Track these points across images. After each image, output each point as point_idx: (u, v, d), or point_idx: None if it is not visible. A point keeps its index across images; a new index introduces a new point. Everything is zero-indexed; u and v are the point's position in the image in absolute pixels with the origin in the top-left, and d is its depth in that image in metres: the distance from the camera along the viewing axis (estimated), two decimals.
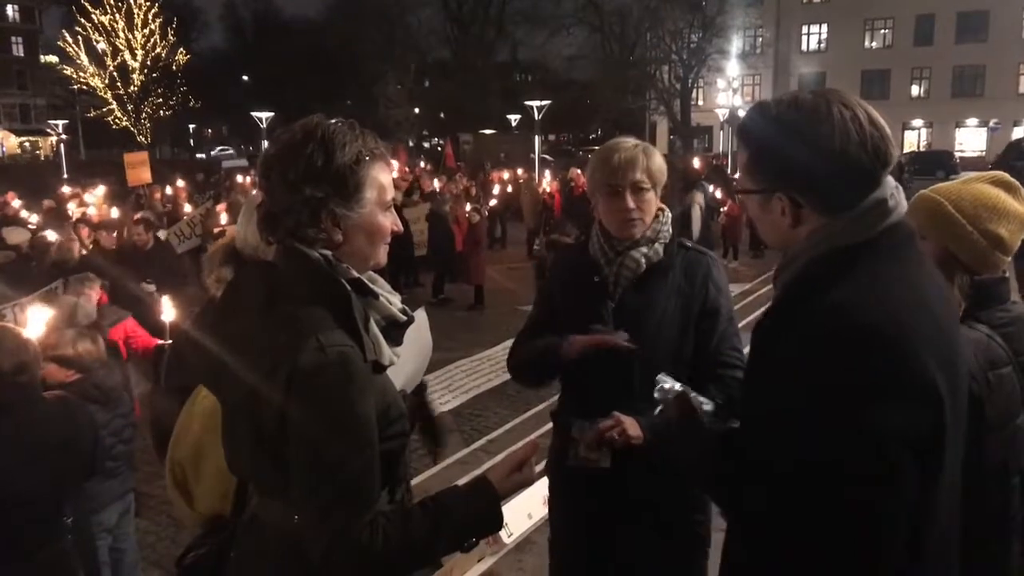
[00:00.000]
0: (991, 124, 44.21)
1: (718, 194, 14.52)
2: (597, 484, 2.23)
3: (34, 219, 12.06)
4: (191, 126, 60.90)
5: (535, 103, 26.90)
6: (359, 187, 1.53)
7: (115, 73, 47.83)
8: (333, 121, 1.54)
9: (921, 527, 1.35)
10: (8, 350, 2.60)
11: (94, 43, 46.81)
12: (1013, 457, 1.85)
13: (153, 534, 4.67)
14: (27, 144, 58.12)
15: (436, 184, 16.62)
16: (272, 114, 32.17)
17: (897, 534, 1.32)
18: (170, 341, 4.32)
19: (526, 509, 4.32)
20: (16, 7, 61.71)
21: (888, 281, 1.34)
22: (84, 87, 48.33)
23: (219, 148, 44.29)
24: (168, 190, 17.41)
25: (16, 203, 14.08)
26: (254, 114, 32.46)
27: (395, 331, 1.62)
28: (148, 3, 47.84)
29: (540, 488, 4.03)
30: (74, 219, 11.46)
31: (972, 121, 45.58)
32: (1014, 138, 41.06)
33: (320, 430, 1.43)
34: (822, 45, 48.81)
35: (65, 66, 48.76)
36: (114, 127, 49.01)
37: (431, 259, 12.33)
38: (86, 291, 4.87)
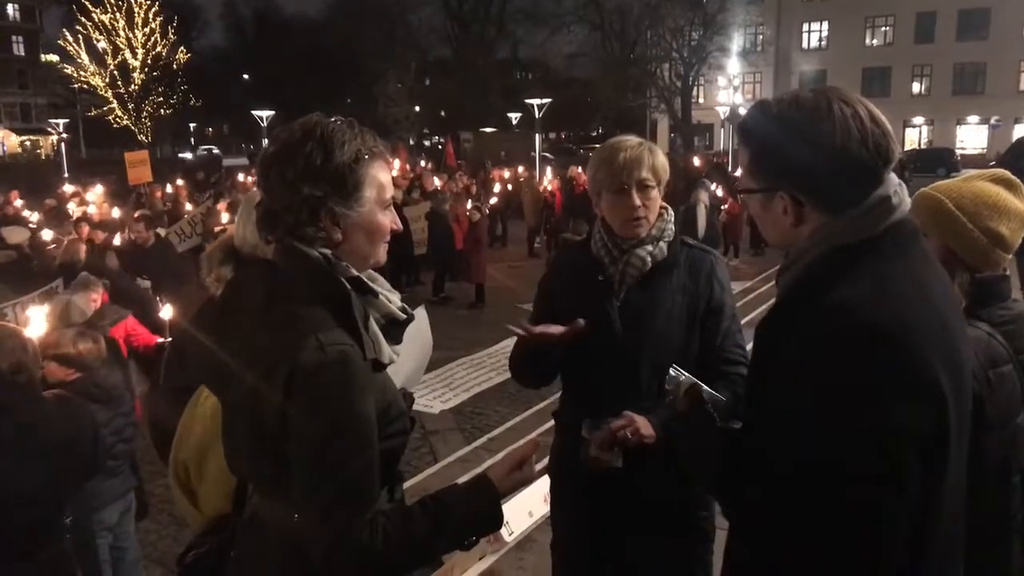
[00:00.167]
0: (992, 121, 44.19)
1: (719, 192, 14.51)
2: (601, 484, 2.22)
3: (35, 218, 12.07)
4: (192, 125, 60.89)
5: (536, 101, 26.90)
6: (358, 186, 1.53)
7: (115, 72, 47.85)
8: (332, 120, 1.54)
9: (925, 527, 1.35)
10: (6, 350, 2.60)
11: (95, 42, 46.84)
12: (1014, 456, 1.85)
13: (154, 532, 4.67)
14: (28, 143, 58.13)
15: (437, 182, 16.62)
16: (273, 113, 32.18)
17: (899, 534, 1.31)
18: (169, 339, 4.32)
19: (527, 507, 4.33)
20: (17, 6, 61.72)
21: (892, 279, 1.33)
22: (85, 86, 48.37)
23: (202, 148, 43.94)
24: (169, 189, 17.42)
25: (18, 203, 14.09)
26: (255, 113, 32.48)
27: (395, 329, 1.62)
28: (148, 2, 47.85)
29: (541, 486, 4.04)
30: (75, 218, 11.47)
31: (973, 118, 45.55)
32: (1016, 137, 41.12)
33: (320, 429, 1.43)
34: (823, 43, 48.77)
35: (66, 65, 48.81)
36: (115, 126, 49.02)
37: (431, 258, 12.33)
38: (87, 292, 4.86)
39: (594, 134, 57.48)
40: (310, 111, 1.59)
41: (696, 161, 23.18)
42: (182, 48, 50.71)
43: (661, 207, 2.37)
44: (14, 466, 2.51)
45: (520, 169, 23.82)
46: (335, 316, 1.49)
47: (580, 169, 19.02)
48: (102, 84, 47.72)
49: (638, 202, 2.27)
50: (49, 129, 46.19)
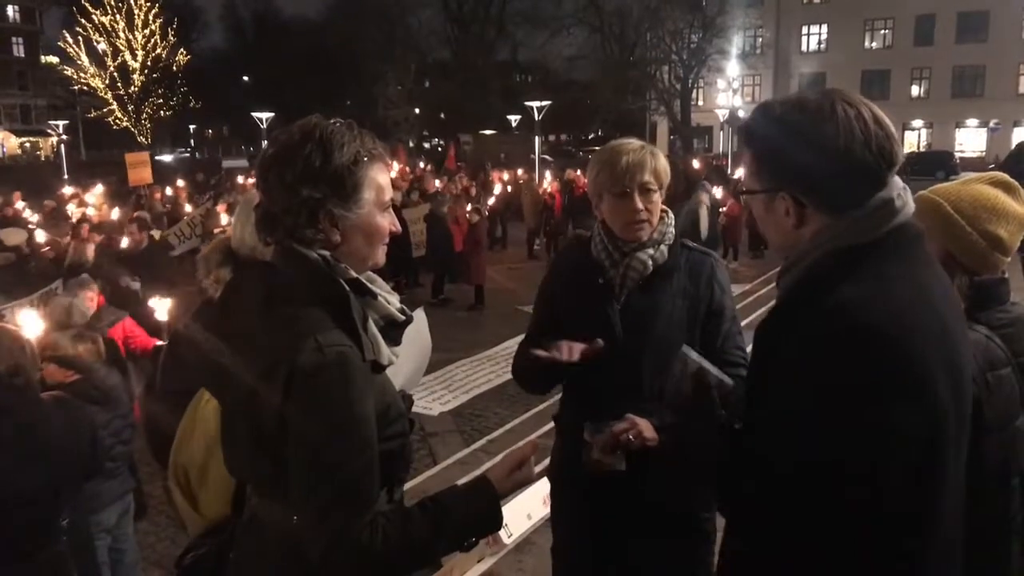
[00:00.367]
0: (991, 124, 44.21)
1: (718, 194, 14.54)
2: (602, 487, 2.21)
3: (35, 219, 12.07)
4: (192, 127, 60.92)
5: (535, 103, 26.90)
6: (357, 188, 1.53)
7: (115, 73, 47.90)
8: (331, 122, 1.54)
9: (924, 529, 1.35)
10: (4, 351, 2.59)
11: (94, 43, 46.89)
12: (1013, 458, 1.85)
13: (153, 534, 4.67)
14: (27, 145, 58.12)
15: (438, 185, 16.63)
16: (272, 114, 32.18)
17: (897, 535, 1.31)
18: (165, 343, 4.32)
19: (526, 509, 4.33)
20: (17, 8, 61.70)
21: (893, 281, 1.33)
22: (84, 87, 48.40)
23: (179, 150, 43.73)
24: (168, 190, 17.43)
25: (20, 204, 14.11)
26: (254, 114, 32.48)
27: (394, 331, 1.62)
28: (148, 3, 47.89)
29: (540, 488, 4.04)
30: (75, 220, 11.48)
31: (972, 121, 45.58)
32: (1016, 140, 41.15)
33: (319, 430, 1.43)
34: (822, 45, 48.81)
35: (66, 67, 48.84)
36: (114, 127, 49.05)
37: (429, 260, 12.34)
38: (84, 292, 4.87)
39: (593, 136, 57.48)
40: (310, 113, 1.59)
41: (696, 163, 23.19)
42: (182, 50, 50.77)
43: (662, 210, 2.37)
44: (12, 467, 2.50)
45: (520, 171, 23.83)
46: (334, 317, 1.49)
47: (579, 172, 19.07)
48: (102, 86, 47.77)
49: (640, 205, 2.27)
50: (49, 131, 46.19)
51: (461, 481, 1.74)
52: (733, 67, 40.63)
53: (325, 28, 55.04)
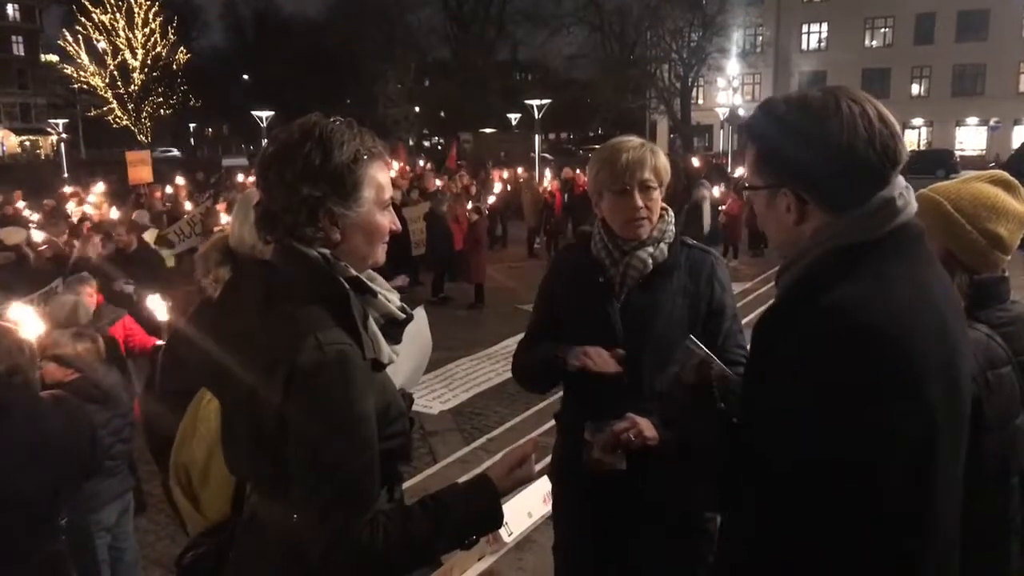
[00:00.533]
0: (991, 123, 44.21)
1: (716, 192, 14.56)
2: (603, 485, 2.21)
3: (36, 218, 12.07)
4: (191, 125, 60.90)
5: (535, 102, 26.90)
6: (357, 186, 1.52)
7: (115, 72, 47.91)
8: (331, 120, 1.54)
9: (921, 529, 1.35)
10: (3, 351, 2.59)
11: (94, 42, 46.88)
12: (1013, 457, 1.85)
13: (153, 533, 4.66)
14: (27, 143, 58.10)
15: (438, 183, 16.62)
16: (272, 113, 32.18)
17: (894, 535, 1.31)
18: (163, 342, 4.31)
19: (526, 508, 4.32)
20: (16, 6, 61.69)
21: (893, 281, 1.33)
22: (84, 86, 48.41)
23: (160, 150, 43.49)
24: (168, 189, 17.42)
25: (20, 203, 14.11)
26: (254, 113, 32.48)
27: (394, 329, 1.62)
28: (148, 2, 47.90)
29: (540, 487, 4.04)
30: (76, 219, 11.48)
31: (972, 120, 45.57)
32: (1016, 138, 41.16)
33: (319, 429, 1.43)
34: (822, 44, 48.78)
35: (65, 65, 48.86)
36: (114, 126, 49.03)
37: (429, 258, 12.33)
38: (83, 290, 4.86)
39: (593, 135, 57.45)
40: (309, 111, 1.58)
41: (696, 162, 23.19)
42: (182, 48, 50.79)
43: (662, 208, 2.36)
44: (10, 467, 2.49)
45: (520, 170, 23.82)
46: (334, 316, 1.49)
47: (575, 171, 19.07)
48: (102, 84, 47.78)
49: (640, 203, 2.27)
50: (49, 129, 46.18)
51: (461, 479, 1.74)
52: (733, 65, 40.61)
53: (325, 27, 55.06)
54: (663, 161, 2.32)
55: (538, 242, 16.73)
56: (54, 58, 55.96)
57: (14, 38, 61.38)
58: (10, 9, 61.39)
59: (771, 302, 1.48)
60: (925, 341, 1.30)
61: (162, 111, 51.23)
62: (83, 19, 46.37)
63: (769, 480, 1.35)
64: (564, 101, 42.79)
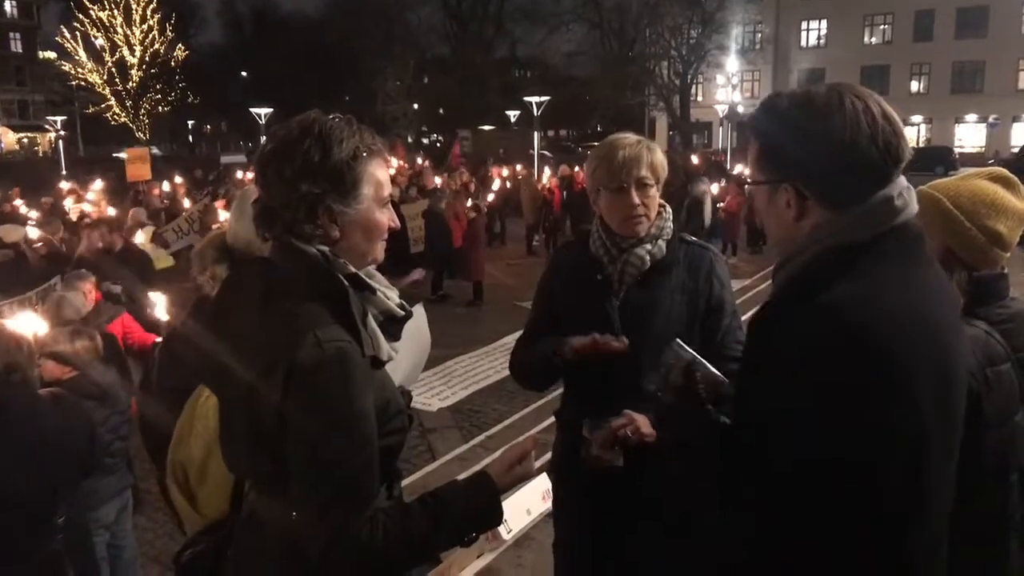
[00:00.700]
0: (990, 120, 44.24)
1: (715, 189, 14.58)
2: (603, 483, 2.21)
3: (35, 215, 12.05)
4: (190, 122, 60.82)
5: (534, 99, 26.90)
6: (356, 183, 1.52)
7: (113, 69, 47.80)
8: (330, 117, 1.54)
9: (911, 527, 1.35)
10: (0, 349, 2.58)
11: (92, 39, 46.75)
12: (1012, 454, 1.85)
13: (151, 531, 4.66)
14: (25, 140, 58.01)
15: (437, 181, 16.59)
16: (271, 110, 32.14)
17: (886, 533, 1.32)
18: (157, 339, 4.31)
19: (525, 505, 4.33)
20: (14, 3, 61.58)
21: (887, 282, 1.33)
22: (82, 83, 48.29)
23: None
24: (166, 186, 17.39)
25: (17, 201, 14.09)
26: (253, 110, 32.45)
27: (393, 326, 1.62)
28: None
29: (539, 484, 4.05)
30: (78, 216, 11.46)
31: (971, 117, 45.58)
32: (1014, 135, 41.18)
33: (319, 426, 1.42)
34: (821, 41, 48.77)
35: (63, 62, 48.76)
36: (112, 123, 48.96)
37: (428, 256, 12.32)
38: (81, 286, 4.86)
39: (592, 132, 57.43)
40: (308, 108, 1.58)
41: (695, 159, 23.19)
42: (180, 45, 50.63)
43: (660, 205, 2.36)
44: (8, 466, 2.49)
45: (519, 167, 23.80)
46: (333, 313, 1.48)
47: (571, 168, 19.08)
48: (100, 81, 47.68)
49: (637, 200, 2.26)
50: (47, 126, 46.10)
51: (461, 477, 1.74)
52: (732, 63, 40.56)
53: (324, 24, 55.01)
54: (660, 158, 2.31)
55: (537, 239, 16.72)
56: (52, 55, 55.87)
57: (12, 35, 61.29)
58: (8, 6, 61.28)
59: (767, 299, 1.48)
60: (918, 342, 1.30)
61: (160, 108, 51.12)
62: (81, 16, 46.25)
63: (766, 479, 1.35)
64: (563, 98, 42.75)
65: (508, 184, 20.02)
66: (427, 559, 1.62)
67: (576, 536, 2.48)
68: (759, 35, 46.99)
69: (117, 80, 48.15)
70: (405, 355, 1.85)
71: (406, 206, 12.36)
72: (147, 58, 48.71)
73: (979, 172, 2.01)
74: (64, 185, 18.36)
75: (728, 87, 36.95)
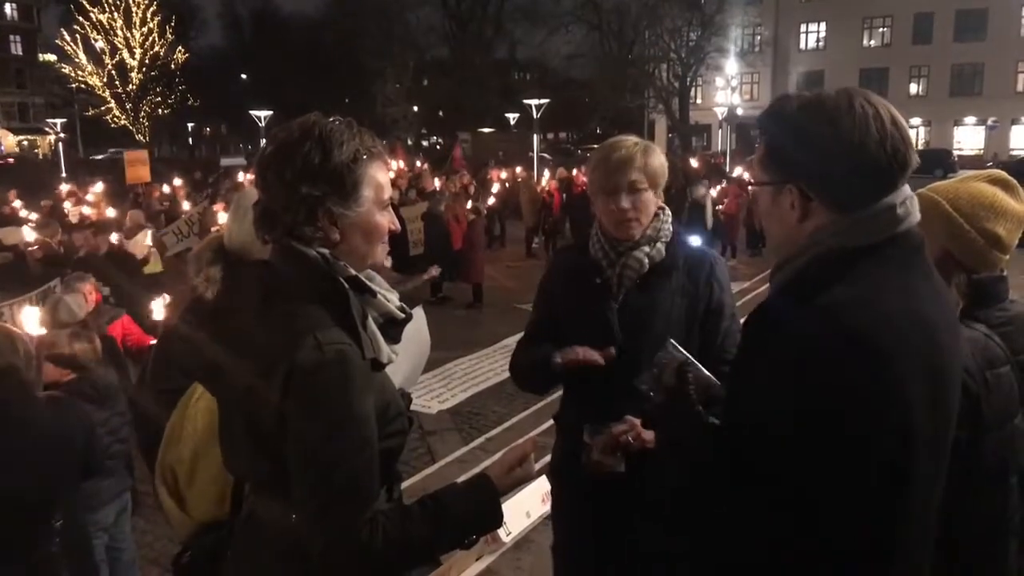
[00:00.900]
0: (989, 122, 44.27)
1: (714, 192, 14.62)
2: (603, 487, 2.21)
3: (34, 217, 12.06)
4: (190, 125, 60.83)
5: (534, 101, 26.90)
6: (356, 186, 1.52)
7: (113, 72, 47.77)
8: (330, 119, 1.54)
9: (895, 528, 1.36)
10: None
11: (92, 41, 46.73)
12: (1011, 457, 1.85)
13: (150, 533, 4.65)
14: (25, 143, 58.00)
15: (437, 183, 16.58)
16: (271, 112, 32.12)
17: (870, 533, 1.33)
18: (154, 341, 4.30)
19: (525, 507, 4.33)
20: (14, 6, 61.60)
21: (886, 286, 1.33)
22: (82, 86, 48.27)
23: (111, 150, 43.01)
24: (166, 188, 17.40)
25: (17, 203, 14.09)
26: (252, 112, 32.43)
27: (393, 329, 1.62)
28: (146, 1, 47.76)
29: (539, 486, 4.05)
30: (76, 218, 11.47)
31: (970, 119, 45.62)
32: (1013, 138, 41.23)
33: (319, 428, 1.42)
34: (821, 43, 48.81)
35: (63, 65, 48.72)
36: (112, 126, 48.95)
37: (427, 258, 12.31)
38: (81, 287, 4.85)
39: (591, 134, 57.46)
40: (308, 111, 1.58)
41: (694, 162, 23.19)
42: (180, 48, 50.62)
43: (659, 208, 2.36)
44: (4, 469, 2.48)
45: (518, 169, 23.80)
46: (333, 315, 1.48)
47: (569, 171, 19.09)
48: (100, 84, 47.65)
49: (625, 204, 2.26)
50: (47, 129, 46.08)
51: (460, 479, 1.74)
52: (732, 65, 40.59)
53: (323, 26, 55.04)
54: (656, 161, 2.30)
55: (536, 242, 16.72)
56: (52, 57, 55.83)
57: (12, 37, 61.30)
58: (8, 8, 61.30)
59: (764, 300, 1.48)
60: (913, 345, 1.30)
61: (160, 111, 51.11)
62: (81, 18, 46.21)
63: (757, 479, 1.35)
64: (562, 100, 42.84)
65: (507, 186, 20.02)
66: (427, 561, 1.62)
67: (576, 539, 2.47)
68: (758, 37, 47.02)
69: (117, 83, 48.10)
70: (405, 357, 1.84)
71: (405, 208, 12.34)
72: (147, 61, 48.67)
73: (978, 175, 2.01)
74: (63, 187, 18.36)
75: (727, 89, 36.95)
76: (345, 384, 1.43)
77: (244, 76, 60.94)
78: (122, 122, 48.87)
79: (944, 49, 44.79)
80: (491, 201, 16.42)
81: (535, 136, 27.48)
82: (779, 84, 46.25)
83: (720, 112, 35.24)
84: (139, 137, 47.99)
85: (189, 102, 51.99)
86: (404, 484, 1.72)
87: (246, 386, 1.49)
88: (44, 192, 17.11)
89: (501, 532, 4.11)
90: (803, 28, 48.91)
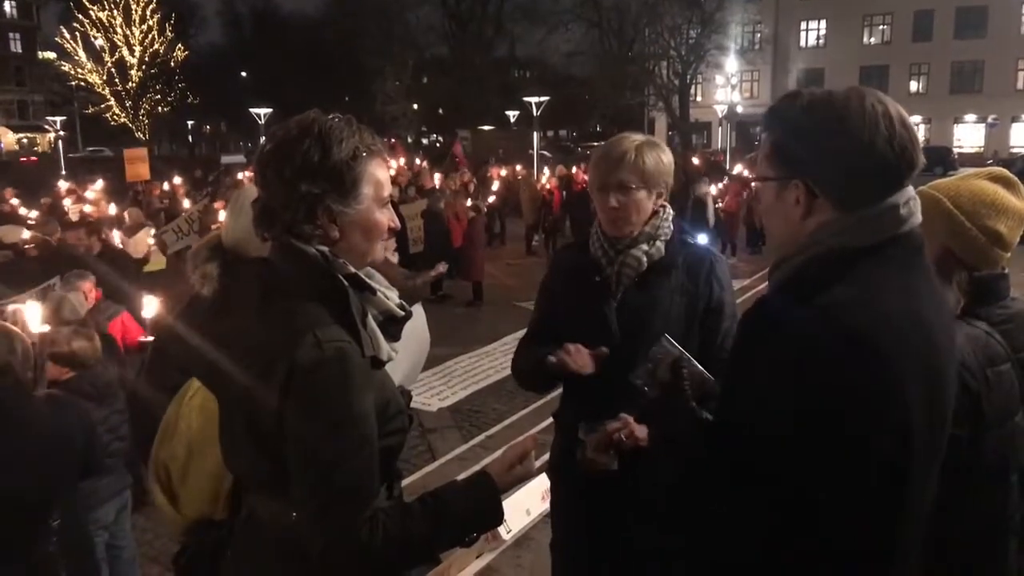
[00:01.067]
0: (989, 120, 44.27)
1: (713, 190, 14.62)
2: (600, 484, 2.21)
3: (34, 215, 12.06)
4: (189, 122, 60.81)
5: (534, 99, 26.87)
6: (356, 183, 1.52)
7: (113, 69, 47.68)
8: (330, 117, 1.54)
9: (891, 528, 1.36)
10: None
11: (92, 39, 46.65)
12: (1011, 455, 1.85)
13: (151, 531, 4.65)
14: (25, 140, 57.97)
15: (437, 181, 16.57)
16: (270, 110, 32.10)
17: (864, 532, 1.33)
18: (151, 338, 4.30)
19: (525, 505, 4.33)
20: (13, 3, 61.59)
21: (885, 289, 1.33)
22: (82, 83, 48.21)
23: (90, 149, 42.56)
24: (165, 186, 17.39)
25: (15, 201, 14.08)
26: (252, 110, 32.42)
27: (393, 326, 1.61)
28: None
29: (539, 484, 4.04)
30: (72, 216, 11.45)
31: (970, 117, 45.61)
32: (1013, 136, 41.21)
33: (318, 427, 1.42)
34: (821, 41, 48.79)
35: (63, 62, 48.64)
36: (112, 123, 48.90)
37: (427, 256, 12.30)
38: (80, 286, 4.85)
39: (591, 132, 57.42)
40: (308, 108, 1.58)
41: (695, 160, 23.19)
42: (179, 45, 50.52)
43: (659, 206, 2.35)
44: (2, 468, 2.47)
45: (518, 167, 23.79)
46: (333, 313, 1.48)
47: (566, 169, 19.09)
48: (99, 81, 47.57)
49: (613, 203, 2.26)
50: (46, 126, 46.03)
51: (461, 477, 1.74)
52: (731, 63, 40.53)
53: (323, 24, 55.00)
54: (651, 161, 2.27)
55: (536, 239, 16.72)
56: (51, 55, 55.74)
57: (11, 35, 61.29)
58: (7, 6, 61.28)
59: (760, 296, 1.47)
60: (911, 345, 1.30)
61: (160, 108, 51.04)
62: (80, 16, 46.10)
63: (752, 476, 1.35)
64: (562, 98, 42.71)
65: (507, 184, 20.01)
66: (427, 559, 1.62)
67: (573, 537, 2.48)
68: (758, 35, 47.00)
69: (117, 80, 48.02)
70: (405, 355, 1.85)
71: (405, 206, 12.34)
72: (147, 58, 48.56)
73: (979, 172, 2.01)
74: (62, 184, 18.35)
75: (727, 87, 36.93)
76: (345, 382, 1.43)
77: (244, 74, 60.91)
78: (122, 120, 48.80)
79: (944, 46, 44.78)
80: (491, 199, 16.42)
81: (535, 134, 27.46)
82: (779, 82, 46.24)
83: (720, 110, 35.22)
84: (139, 135, 47.92)
85: (189, 100, 51.92)
86: (404, 482, 1.72)
87: (245, 385, 1.48)
88: (43, 190, 17.10)
89: (501, 530, 4.11)
90: (803, 26, 48.88)
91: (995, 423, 1.79)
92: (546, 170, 21.09)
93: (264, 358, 1.45)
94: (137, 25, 47.85)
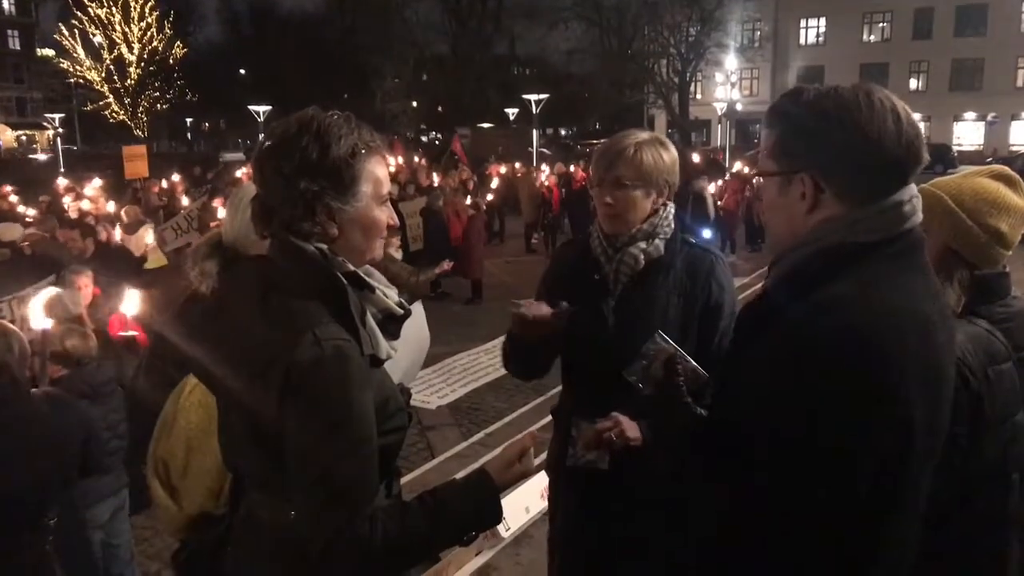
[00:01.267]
0: (989, 118, 44.27)
1: (713, 187, 14.62)
2: (595, 481, 2.21)
3: (32, 213, 12.04)
4: (188, 120, 60.77)
5: (533, 97, 26.88)
6: (355, 181, 1.51)
7: (112, 66, 47.63)
8: (329, 114, 1.53)
9: (885, 519, 1.35)
10: None
11: (90, 36, 46.61)
12: (1012, 453, 1.84)
13: (151, 528, 4.65)
14: (23, 138, 57.92)
15: (436, 179, 16.56)
16: (269, 108, 32.07)
17: (860, 526, 1.32)
18: (141, 335, 4.28)
19: (524, 503, 4.33)
20: (12, 0, 61.45)
21: (886, 286, 1.33)
22: (80, 81, 48.16)
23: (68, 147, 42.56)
24: (164, 184, 17.36)
25: (13, 198, 14.06)
26: (251, 107, 32.39)
27: (392, 324, 1.61)
28: None
29: (538, 482, 4.04)
30: (71, 213, 11.44)
31: (970, 115, 45.59)
32: (1013, 133, 41.23)
33: (317, 425, 1.42)
34: (820, 39, 48.77)
35: (61, 60, 48.55)
36: (111, 121, 48.87)
37: (426, 254, 12.30)
38: (76, 282, 4.83)
39: (591, 130, 57.39)
40: (307, 106, 1.57)
41: (695, 157, 23.19)
42: (178, 43, 50.46)
43: (660, 204, 2.34)
44: None
45: (518, 165, 23.78)
46: (332, 311, 1.48)
47: (575, 167, 19.08)
48: (98, 79, 47.52)
49: (608, 200, 2.26)
50: (45, 124, 45.99)
51: (460, 474, 1.74)
52: (731, 61, 40.44)
53: (323, 21, 54.94)
54: (650, 158, 2.25)
55: (536, 237, 16.72)
56: (50, 52, 55.69)
57: (10, 32, 61.23)
58: (6, 3, 61.20)
59: (760, 291, 1.47)
60: (910, 343, 1.30)
61: (159, 106, 50.99)
62: (79, 13, 46.05)
63: (746, 470, 1.35)
64: (562, 96, 42.67)
65: (507, 182, 19.99)
66: (426, 557, 1.62)
67: (571, 534, 2.48)
68: (758, 33, 46.98)
69: (115, 77, 47.97)
70: (404, 353, 1.84)
71: (404, 204, 12.34)
72: (145, 55, 48.52)
73: (980, 170, 2.01)
74: (60, 181, 18.31)
75: (727, 85, 36.88)
76: (344, 381, 1.43)
77: (243, 71, 60.84)
78: (120, 117, 48.75)
79: (944, 44, 44.76)
80: (490, 197, 16.41)
81: (534, 131, 27.45)
82: (779, 80, 46.23)
83: (720, 108, 35.17)
84: (137, 132, 47.88)
85: (188, 97, 51.89)
86: (403, 480, 1.71)
87: (244, 383, 1.48)
88: (42, 188, 17.07)
89: (501, 527, 4.11)
90: (803, 23, 48.85)
91: (996, 421, 1.79)
92: (545, 168, 21.06)
93: (263, 356, 1.45)
94: (136, 22, 47.80)
